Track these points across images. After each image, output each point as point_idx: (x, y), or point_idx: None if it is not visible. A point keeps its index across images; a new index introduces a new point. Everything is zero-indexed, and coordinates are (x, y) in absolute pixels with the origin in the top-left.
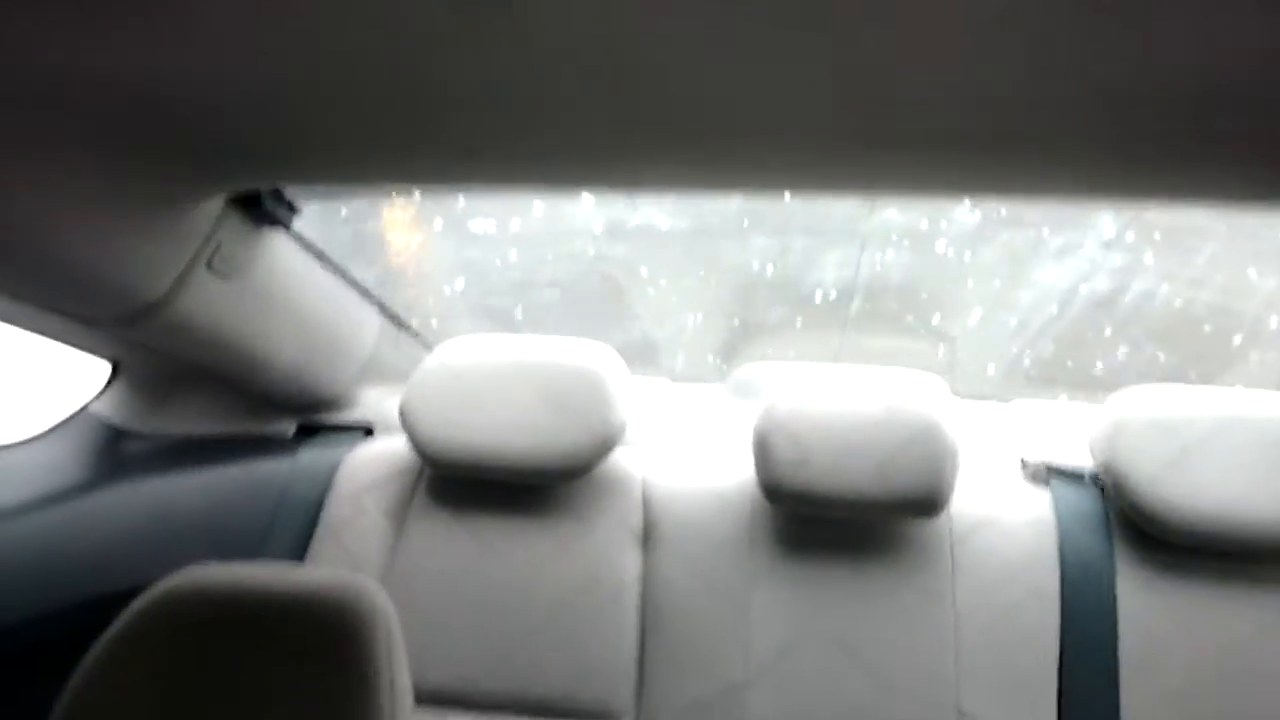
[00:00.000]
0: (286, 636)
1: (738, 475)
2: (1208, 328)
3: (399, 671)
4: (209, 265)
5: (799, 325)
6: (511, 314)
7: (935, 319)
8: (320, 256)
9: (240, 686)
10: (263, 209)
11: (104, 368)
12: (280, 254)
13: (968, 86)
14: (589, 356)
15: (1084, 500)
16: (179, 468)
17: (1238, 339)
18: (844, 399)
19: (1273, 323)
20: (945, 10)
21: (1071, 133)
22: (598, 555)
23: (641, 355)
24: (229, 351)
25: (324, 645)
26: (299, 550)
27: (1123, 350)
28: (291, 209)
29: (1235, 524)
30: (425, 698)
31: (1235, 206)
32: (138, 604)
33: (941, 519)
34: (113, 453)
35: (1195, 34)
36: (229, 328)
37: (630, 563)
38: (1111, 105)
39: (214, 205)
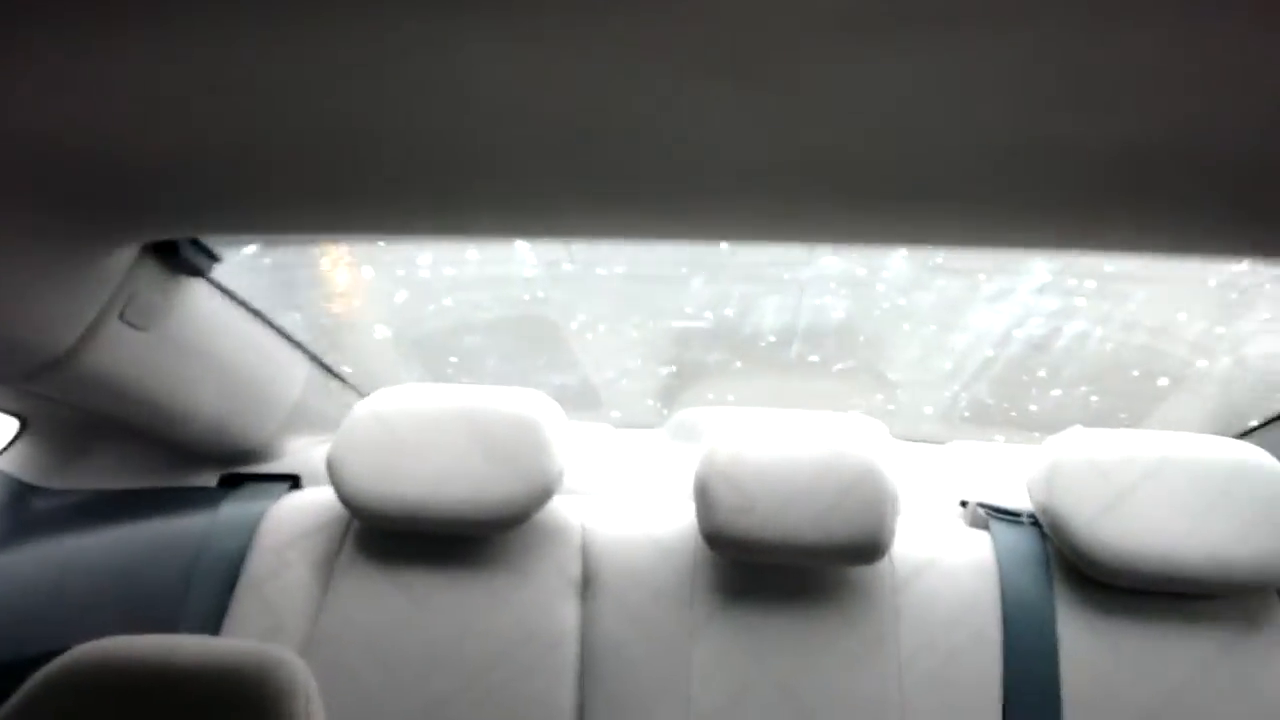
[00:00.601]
0: (201, 712)
1: (678, 522)
2: (1136, 371)
3: None
4: (122, 316)
5: (739, 369)
6: (445, 361)
7: (873, 362)
8: (243, 304)
9: None
10: (181, 258)
11: (9, 422)
12: (200, 303)
13: (903, 141)
14: (525, 403)
15: (1023, 542)
16: (91, 524)
17: (1164, 381)
18: (785, 444)
19: (1199, 365)
20: (879, 65)
21: (1006, 186)
22: (535, 607)
23: (580, 401)
24: (145, 404)
25: None
26: (219, 607)
27: (1056, 392)
28: (212, 257)
29: (1172, 565)
30: None
31: (1165, 256)
32: (38, 676)
33: (883, 563)
34: (19, 511)
35: (1128, 92)
36: (144, 380)
37: (569, 613)
38: (1046, 161)
39: (128, 254)
